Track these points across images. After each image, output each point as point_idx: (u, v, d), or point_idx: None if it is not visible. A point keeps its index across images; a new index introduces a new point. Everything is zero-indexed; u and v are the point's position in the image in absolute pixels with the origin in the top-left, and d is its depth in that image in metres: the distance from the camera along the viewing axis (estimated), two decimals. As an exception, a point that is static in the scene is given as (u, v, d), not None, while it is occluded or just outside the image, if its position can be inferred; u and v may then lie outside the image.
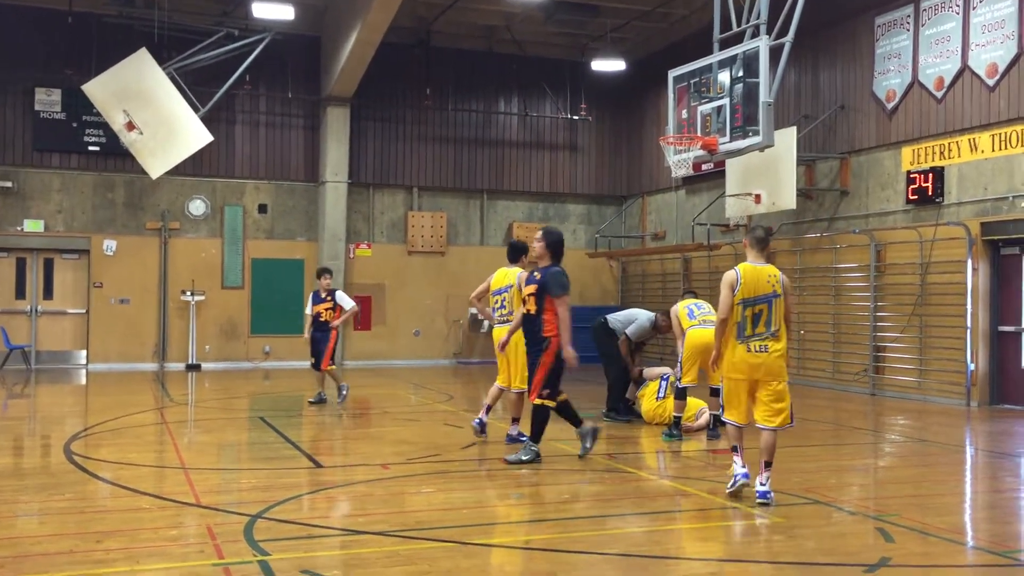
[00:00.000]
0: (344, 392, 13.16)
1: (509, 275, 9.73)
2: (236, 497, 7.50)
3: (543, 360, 8.50)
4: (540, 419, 8.62)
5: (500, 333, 9.60)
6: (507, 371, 9.66)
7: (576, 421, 8.89)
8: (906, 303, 14.73)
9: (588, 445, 8.86)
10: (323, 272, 13.39)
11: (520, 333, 9.36)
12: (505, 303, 9.68)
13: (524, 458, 8.55)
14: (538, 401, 8.56)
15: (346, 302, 13.22)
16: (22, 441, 10.81)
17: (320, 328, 13.06)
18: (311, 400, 13.33)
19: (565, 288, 8.53)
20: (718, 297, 7.24)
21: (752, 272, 7.13)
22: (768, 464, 7.00)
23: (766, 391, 7.05)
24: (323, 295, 13.24)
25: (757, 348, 7.02)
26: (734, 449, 7.22)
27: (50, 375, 18.08)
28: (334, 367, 13.36)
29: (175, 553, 5.74)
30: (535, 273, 8.73)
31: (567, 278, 8.63)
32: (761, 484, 6.98)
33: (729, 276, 7.14)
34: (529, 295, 8.64)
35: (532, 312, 8.62)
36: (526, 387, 9.04)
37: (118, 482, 7.78)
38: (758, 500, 6.94)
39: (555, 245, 8.74)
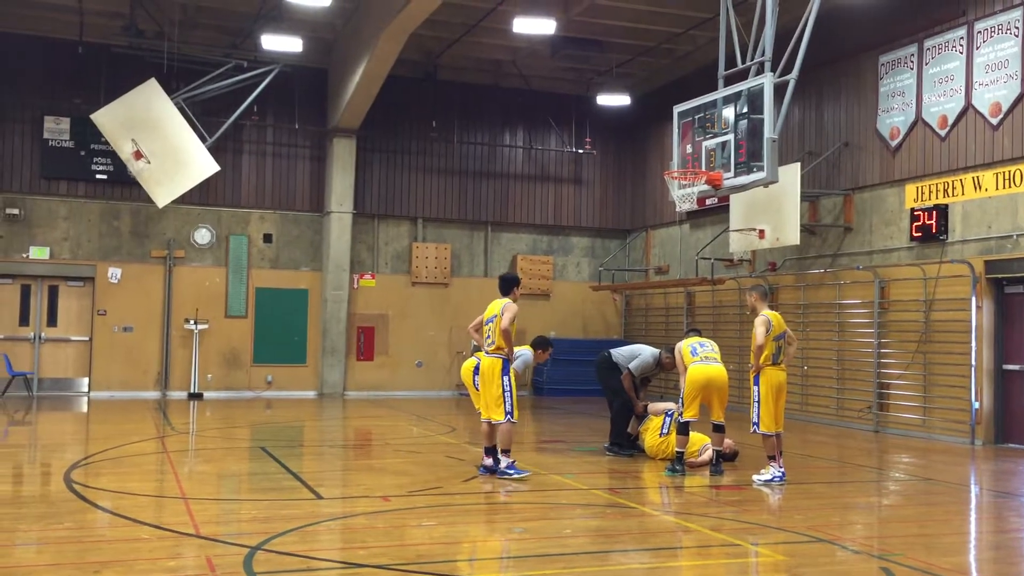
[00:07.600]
0: None
1: (495, 306, 9.82)
2: (236, 528, 7.45)
3: None
4: None
5: (486, 362, 9.81)
6: (480, 402, 9.96)
7: None
8: (910, 340, 14.70)
9: None
10: None
11: (492, 363, 9.66)
12: (491, 333, 9.75)
13: None
14: None
15: None
16: (22, 469, 10.77)
17: None
18: None
19: None
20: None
21: (776, 317, 9.88)
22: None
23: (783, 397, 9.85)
24: None
25: (782, 367, 9.85)
26: (771, 457, 9.64)
27: (52, 402, 18.04)
28: None
29: (174, 584, 5.70)
30: None
31: None
32: (781, 467, 9.70)
33: (764, 320, 9.68)
34: None
35: None
36: (503, 418, 9.50)
37: (117, 511, 7.75)
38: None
39: None
